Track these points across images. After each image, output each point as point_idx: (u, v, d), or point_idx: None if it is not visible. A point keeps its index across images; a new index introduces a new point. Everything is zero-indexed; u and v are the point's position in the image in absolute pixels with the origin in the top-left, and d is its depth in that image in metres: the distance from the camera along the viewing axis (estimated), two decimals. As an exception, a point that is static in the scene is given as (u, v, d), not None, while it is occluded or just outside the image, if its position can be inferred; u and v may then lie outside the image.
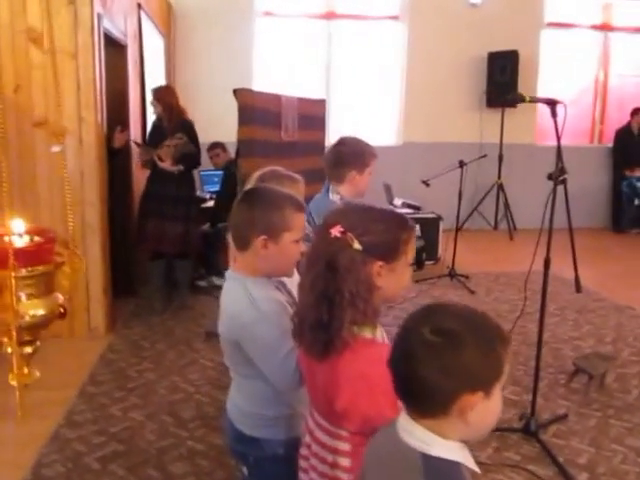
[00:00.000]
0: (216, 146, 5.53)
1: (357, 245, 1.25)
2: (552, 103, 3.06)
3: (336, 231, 1.26)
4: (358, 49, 7.64)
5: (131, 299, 4.61)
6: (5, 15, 3.66)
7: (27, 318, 1.12)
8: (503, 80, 7.29)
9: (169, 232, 4.39)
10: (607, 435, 2.85)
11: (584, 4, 7.95)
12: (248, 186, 2.06)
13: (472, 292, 5.07)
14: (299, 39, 7.48)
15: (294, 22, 7.48)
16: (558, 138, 3.08)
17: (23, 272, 1.12)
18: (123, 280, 4.50)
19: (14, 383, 1.12)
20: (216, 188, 5.63)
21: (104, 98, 4.08)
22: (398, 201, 6.18)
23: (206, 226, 5.13)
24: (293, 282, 1.90)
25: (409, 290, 1.35)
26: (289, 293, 1.70)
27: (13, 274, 1.06)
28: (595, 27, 8.04)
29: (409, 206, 6.14)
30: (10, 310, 1.06)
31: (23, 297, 1.13)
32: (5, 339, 1.12)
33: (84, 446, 2.73)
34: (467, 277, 5.38)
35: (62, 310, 1.20)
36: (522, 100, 3.12)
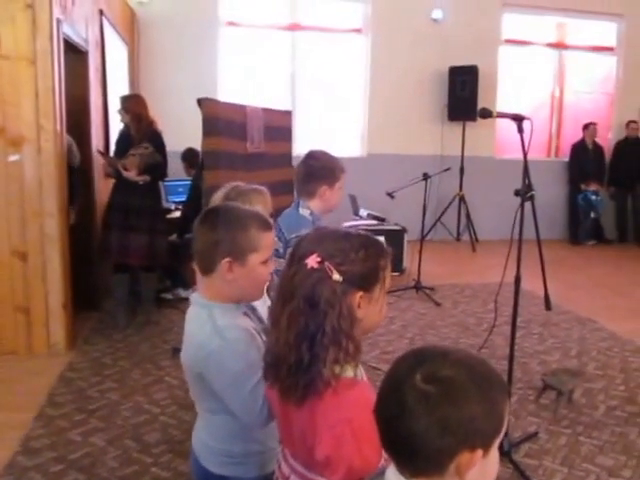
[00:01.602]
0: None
1: (337, 276, 1.13)
2: (519, 119, 3.09)
3: (313, 261, 1.14)
4: (322, 61, 7.64)
5: (93, 314, 4.44)
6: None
7: None
8: (464, 94, 7.41)
9: (133, 244, 4.25)
10: (578, 454, 2.85)
11: (539, 23, 8.17)
12: (211, 205, 1.98)
13: (438, 304, 5.09)
14: (263, 50, 7.43)
15: (258, 33, 7.43)
16: (525, 154, 3.11)
17: None
18: (84, 294, 4.34)
19: None
20: (181, 198, 5.52)
21: (64, 106, 3.94)
22: (363, 212, 6.18)
23: (173, 237, 5.01)
24: (265, 305, 1.82)
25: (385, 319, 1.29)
26: (259, 319, 1.61)
27: None
28: (550, 45, 8.27)
29: (374, 217, 6.14)
30: None
31: None
32: None
33: (41, 475, 2.58)
34: (432, 289, 5.40)
35: None
36: (490, 115, 3.15)
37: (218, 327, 1.42)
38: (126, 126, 4.40)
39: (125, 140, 4.37)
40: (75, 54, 4.34)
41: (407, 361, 0.92)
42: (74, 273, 4.05)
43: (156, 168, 4.32)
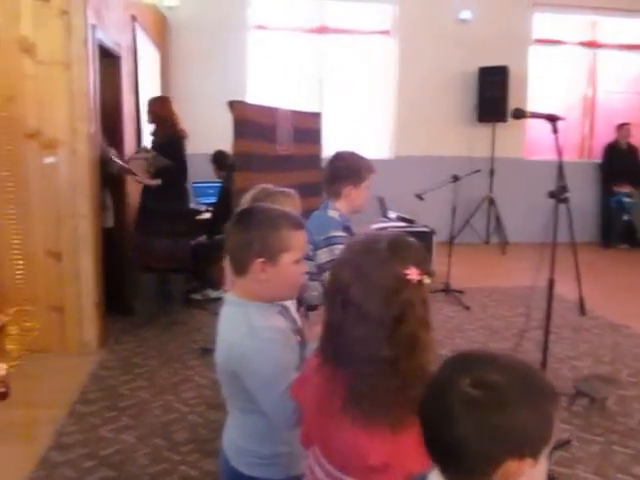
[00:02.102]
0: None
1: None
2: (553, 119, 3.05)
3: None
4: (350, 63, 7.65)
5: (123, 314, 4.49)
6: (-3, 24, 3.59)
7: None
8: (493, 95, 7.33)
9: (156, 247, 4.36)
10: (612, 463, 2.79)
11: (572, 22, 8.04)
12: (240, 207, 2.00)
13: (467, 308, 5.04)
14: (291, 53, 7.48)
15: (287, 36, 7.47)
16: (559, 155, 3.07)
17: None
18: (116, 294, 4.41)
19: None
20: (210, 200, 5.58)
21: (98, 109, 4.01)
22: (392, 214, 6.16)
23: (202, 238, 5.07)
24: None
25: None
26: (293, 319, 1.62)
27: None
28: (583, 44, 8.13)
29: (403, 219, 6.11)
30: None
31: None
32: None
33: (73, 471, 2.63)
34: (461, 292, 5.35)
35: (3, 390, 0.95)
36: (523, 115, 3.11)
37: (254, 327, 1.42)
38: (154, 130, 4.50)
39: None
40: (108, 59, 4.42)
41: (454, 365, 0.89)
42: (106, 274, 4.12)
43: (166, 171, 4.37)
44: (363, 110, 7.76)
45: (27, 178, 3.72)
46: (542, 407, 0.85)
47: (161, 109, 4.42)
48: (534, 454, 0.84)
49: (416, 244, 1.20)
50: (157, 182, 4.35)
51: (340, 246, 2.27)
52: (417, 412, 0.91)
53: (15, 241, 1.00)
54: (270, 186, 2.23)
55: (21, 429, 2.96)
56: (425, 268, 1.15)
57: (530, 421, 0.83)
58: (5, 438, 2.87)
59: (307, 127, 4.74)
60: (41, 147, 3.71)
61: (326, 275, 2.26)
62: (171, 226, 4.40)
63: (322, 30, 7.51)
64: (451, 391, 0.85)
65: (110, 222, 4.39)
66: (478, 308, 5.08)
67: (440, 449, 0.88)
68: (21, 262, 1.09)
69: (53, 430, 2.94)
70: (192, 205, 5.72)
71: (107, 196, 4.43)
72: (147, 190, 4.43)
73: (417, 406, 0.94)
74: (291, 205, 2.24)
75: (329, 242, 2.30)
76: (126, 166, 4.35)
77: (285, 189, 2.23)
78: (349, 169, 2.42)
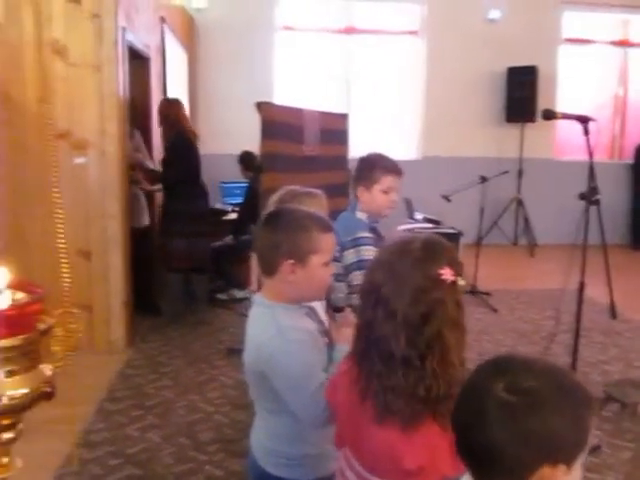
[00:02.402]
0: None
1: None
2: (585, 120, 3.00)
3: None
4: (377, 64, 7.62)
5: (150, 313, 4.54)
6: (30, 27, 3.66)
7: (5, 400, 0.90)
8: (522, 95, 7.24)
9: (174, 247, 4.41)
10: (644, 469, 2.74)
11: (602, 20, 7.89)
12: (267, 210, 2.00)
13: (495, 310, 4.97)
14: (319, 53, 7.48)
15: (314, 37, 7.48)
16: (590, 156, 3.02)
17: (1, 344, 0.89)
18: (144, 293, 4.46)
19: None
20: (237, 200, 5.60)
21: (127, 111, 4.06)
22: (419, 215, 6.11)
23: (228, 238, 5.10)
24: (324, 307, 1.83)
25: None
26: (320, 321, 1.63)
27: None
28: (613, 43, 7.98)
29: (429, 221, 6.06)
30: None
31: (1, 374, 0.91)
32: None
33: (100, 468, 2.66)
34: (489, 294, 5.28)
35: (49, 389, 0.98)
36: (554, 116, 3.07)
37: (282, 328, 1.43)
38: None
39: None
40: (137, 60, 4.47)
41: (489, 369, 0.89)
42: (137, 273, 4.17)
43: (160, 175, 4.46)
44: (390, 111, 7.73)
45: (58, 178, 3.78)
46: (577, 413, 0.84)
47: (168, 110, 4.46)
48: (568, 461, 0.83)
49: (450, 246, 1.21)
50: (159, 188, 4.47)
51: (367, 247, 2.26)
52: (450, 416, 0.91)
53: (61, 243, 1.00)
54: (297, 187, 2.22)
55: (49, 426, 2.99)
56: (459, 269, 1.15)
57: (564, 427, 0.82)
58: (33, 435, 2.90)
59: (334, 128, 4.72)
60: (71, 148, 3.77)
61: (352, 276, 2.25)
62: (187, 226, 4.43)
63: (349, 31, 7.49)
64: (485, 395, 0.84)
65: (146, 221, 4.47)
66: (506, 311, 5.01)
67: (473, 453, 0.87)
68: (66, 264, 1.09)
69: (81, 428, 2.98)
70: (219, 205, 5.76)
71: (142, 195, 4.50)
72: (166, 192, 4.50)
73: (449, 409, 0.95)
74: (317, 206, 2.23)
75: (356, 243, 2.29)
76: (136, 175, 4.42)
77: (312, 190, 2.22)
78: (362, 171, 2.37)
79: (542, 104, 6.47)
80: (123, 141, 3.96)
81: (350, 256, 2.29)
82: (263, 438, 1.59)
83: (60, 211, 1.02)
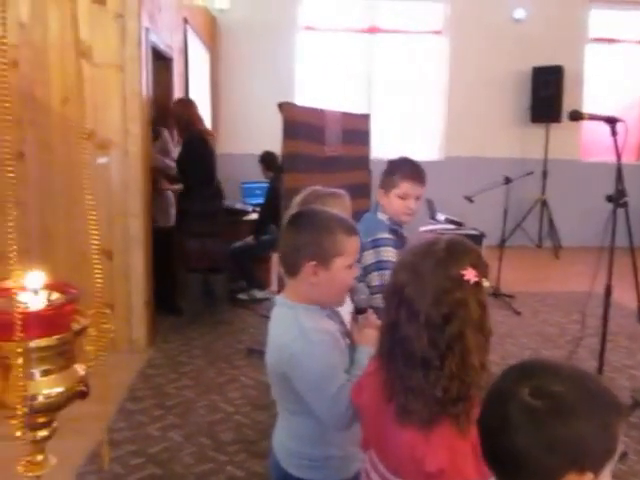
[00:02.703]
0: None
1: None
2: (613, 121, 2.94)
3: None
4: (400, 64, 7.56)
5: (171, 313, 4.55)
6: (55, 28, 3.69)
7: (41, 398, 0.91)
8: (548, 95, 7.14)
9: (190, 248, 4.41)
10: (672, 477, 2.67)
11: (630, 18, 7.74)
12: (291, 210, 1.99)
13: (518, 313, 4.90)
14: (341, 53, 7.44)
15: (336, 36, 7.45)
16: (618, 157, 2.96)
17: (37, 344, 0.87)
18: (167, 294, 4.48)
19: (24, 473, 0.91)
20: (258, 200, 5.60)
21: (150, 111, 4.08)
22: (440, 216, 6.05)
23: (249, 238, 5.09)
24: (347, 307, 1.81)
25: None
26: (341, 322, 1.61)
27: (20, 349, 0.82)
28: (642, 42, 7.83)
29: (451, 222, 6.00)
30: (17, 391, 0.83)
31: (36, 374, 0.90)
32: (14, 422, 0.90)
33: (121, 467, 2.67)
34: (512, 297, 5.21)
35: (83, 389, 0.98)
36: (581, 117, 3.01)
37: (304, 329, 1.43)
38: None
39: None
40: (160, 61, 4.50)
41: (515, 373, 0.88)
42: (161, 273, 4.19)
43: (178, 176, 4.48)
44: (413, 111, 7.67)
45: (81, 178, 3.80)
46: (605, 420, 0.82)
47: (181, 111, 4.46)
48: (595, 468, 0.81)
49: (474, 247, 1.20)
50: (179, 187, 4.46)
51: (386, 248, 2.23)
52: (474, 420, 0.91)
53: (95, 244, 0.99)
54: (320, 188, 2.20)
55: (73, 424, 3.01)
56: (484, 271, 1.13)
57: (591, 434, 0.80)
58: (57, 432, 2.93)
59: (356, 128, 4.70)
60: (95, 148, 3.80)
61: (371, 277, 2.22)
62: (201, 227, 4.44)
63: (372, 30, 7.46)
64: (511, 400, 0.83)
65: (172, 220, 4.48)
66: (530, 313, 4.94)
67: (498, 459, 0.86)
68: (99, 265, 1.08)
69: (103, 426, 2.99)
70: (239, 205, 5.76)
71: (170, 195, 4.52)
72: (180, 192, 4.54)
73: (467, 412, 0.96)
74: (341, 207, 2.21)
75: (375, 244, 2.26)
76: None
77: (336, 190, 2.20)
78: (383, 174, 2.33)
79: (568, 104, 6.38)
80: (146, 141, 3.98)
81: (369, 257, 2.26)
82: (285, 439, 1.59)
83: (93, 212, 1.03)
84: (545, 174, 7.25)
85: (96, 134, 3.78)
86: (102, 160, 3.81)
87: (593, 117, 2.99)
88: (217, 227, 4.59)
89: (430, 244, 1.18)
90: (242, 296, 5.06)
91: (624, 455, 2.79)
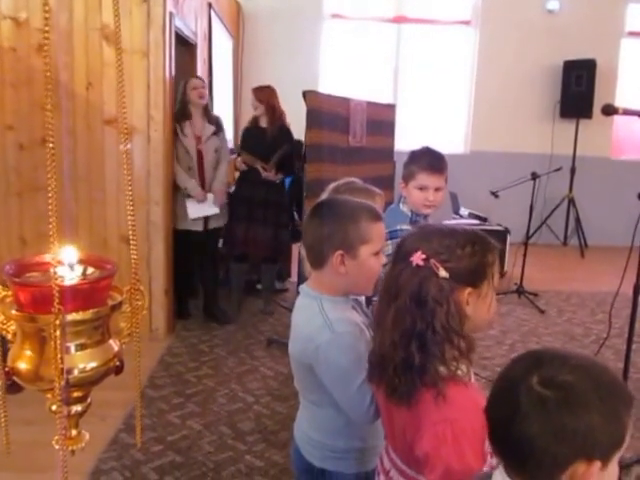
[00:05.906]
0: None
1: (443, 272, 1.12)
2: (650, 116, 2.84)
3: (418, 259, 1.13)
4: (428, 54, 7.44)
5: (190, 300, 4.53)
6: (80, 12, 3.67)
7: (76, 372, 0.90)
8: (579, 90, 6.96)
9: (259, 236, 4.28)
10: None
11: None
12: (322, 197, 1.94)
13: (542, 312, 4.80)
14: (367, 42, 7.35)
15: (363, 25, 7.35)
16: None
17: (73, 317, 0.87)
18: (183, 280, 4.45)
19: (59, 447, 0.89)
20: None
21: (173, 97, 4.05)
22: (464, 211, 5.96)
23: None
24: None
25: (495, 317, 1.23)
26: (365, 314, 1.58)
27: (58, 321, 0.82)
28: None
29: (476, 217, 5.91)
30: (54, 364, 0.83)
31: (72, 348, 0.90)
32: (49, 395, 0.89)
33: (142, 454, 2.66)
34: (536, 295, 5.11)
35: (118, 363, 0.97)
36: (615, 112, 2.91)
37: (329, 320, 1.40)
38: (254, 119, 4.39)
39: (254, 134, 4.35)
40: (184, 46, 4.46)
41: (524, 362, 0.88)
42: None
43: (288, 165, 4.38)
44: (439, 103, 7.55)
45: (104, 163, 3.80)
46: (614, 409, 0.82)
47: (270, 97, 4.30)
48: (604, 457, 0.82)
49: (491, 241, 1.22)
50: (279, 177, 4.34)
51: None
52: (485, 409, 0.90)
53: (130, 220, 0.98)
54: (356, 180, 2.14)
55: (93, 409, 3.01)
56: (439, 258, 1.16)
57: (600, 424, 0.80)
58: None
59: (381, 119, 4.63)
60: (118, 133, 3.78)
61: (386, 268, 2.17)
62: (274, 216, 4.34)
63: (399, 20, 7.34)
64: (520, 388, 0.84)
65: (222, 221, 4.32)
66: (554, 312, 4.84)
67: (506, 447, 0.87)
68: (135, 242, 1.08)
69: (124, 412, 2.98)
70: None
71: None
72: (248, 180, 4.34)
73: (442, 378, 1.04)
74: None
75: (392, 235, 2.21)
76: (255, 161, 4.32)
77: (371, 187, 2.13)
78: (404, 165, 2.30)
79: (599, 99, 6.21)
80: (169, 127, 3.95)
81: (388, 248, 2.22)
82: (307, 429, 1.57)
83: (130, 192, 1.02)
84: (573, 171, 7.09)
85: (119, 120, 3.76)
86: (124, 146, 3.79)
87: (627, 112, 2.89)
88: (286, 217, 4.55)
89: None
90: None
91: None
